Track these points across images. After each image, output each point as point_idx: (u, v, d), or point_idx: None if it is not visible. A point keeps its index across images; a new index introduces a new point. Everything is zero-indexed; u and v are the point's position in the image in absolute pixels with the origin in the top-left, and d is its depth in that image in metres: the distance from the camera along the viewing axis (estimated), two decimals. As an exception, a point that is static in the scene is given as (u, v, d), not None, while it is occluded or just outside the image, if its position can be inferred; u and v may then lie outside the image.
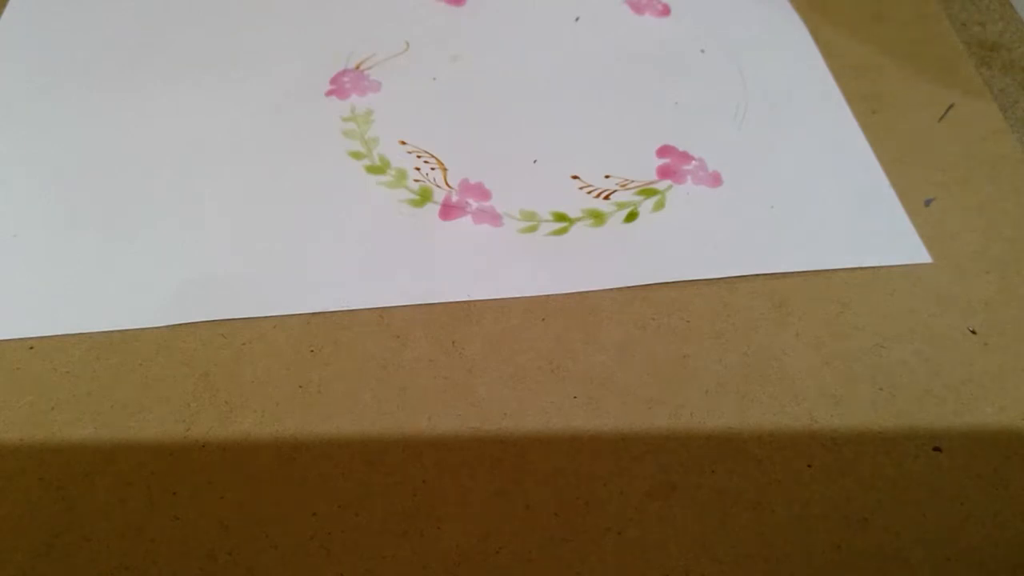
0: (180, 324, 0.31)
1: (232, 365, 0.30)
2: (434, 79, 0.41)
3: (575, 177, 0.36)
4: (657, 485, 0.28)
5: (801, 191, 0.36)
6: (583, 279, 0.33)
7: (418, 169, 0.37)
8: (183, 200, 0.35)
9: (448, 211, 0.35)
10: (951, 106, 0.39)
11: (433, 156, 0.37)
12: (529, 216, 0.35)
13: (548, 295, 0.32)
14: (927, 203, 0.35)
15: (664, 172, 0.37)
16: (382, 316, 0.32)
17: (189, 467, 0.28)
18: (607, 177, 0.36)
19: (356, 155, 0.37)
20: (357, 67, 0.41)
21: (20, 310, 0.32)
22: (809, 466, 0.28)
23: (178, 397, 0.29)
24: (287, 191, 0.36)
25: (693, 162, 0.37)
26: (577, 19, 0.44)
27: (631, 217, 0.35)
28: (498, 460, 0.28)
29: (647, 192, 0.36)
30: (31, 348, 0.31)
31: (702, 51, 0.42)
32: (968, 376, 0.30)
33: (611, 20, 0.44)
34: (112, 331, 0.31)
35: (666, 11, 0.44)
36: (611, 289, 0.32)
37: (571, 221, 0.35)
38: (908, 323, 0.32)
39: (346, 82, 0.40)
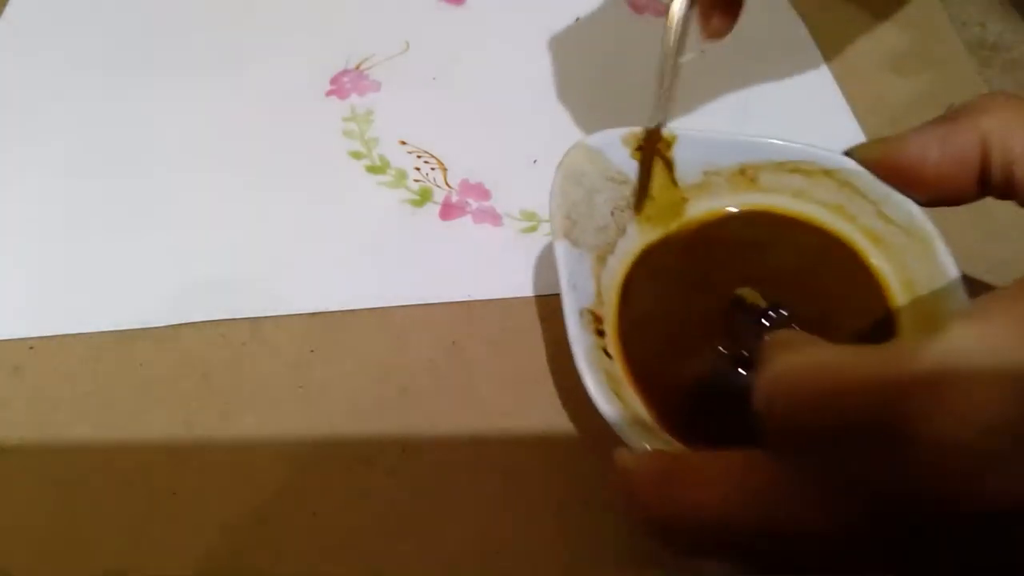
0: (180, 324, 0.31)
1: (232, 365, 0.30)
2: (434, 79, 0.41)
3: (575, 177, 0.36)
4: (657, 485, 0.27)
5: (801, 191, 0.36)
6: (583, 279, 0.33)
7: (418, 169, 0.37)
8: (183, 200, 0.35)
9: (448, 211, 0.35)
10: (951, 106, 0.39)
11: (433, 156, 0.37)
12: (529, 216, 0.35)
13: (548, 295, 0.32)
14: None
15: (664, 172, 0.37)
16: (382, 316, 0.32)
17: (189, 467, 0.28)
18: (607, 177, 0.36)
19: (356, 155, 0.37)
20: (357, 67, 0.41)
21: (20, 310, 0.32)
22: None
23: (178, 397, 0.29)
24: (287, 191, 0.36)
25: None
26: (577, 19, 0.44)
27: (631, 217, 0.35)
28: (498, 460, 0.28)
29: (647, 192, 0.36)
30: (31, 348, 0.31)
31: (702, 51, 0.42)
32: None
33: (611, 20, 0.44)
34: (112, 331, 0.31)
35: (666, 11, 0.44)
36: (611, 289, 0.32)
37: (571, 221, 0.35)
38: (908, 323, 0.32)
39: (346, 82, 0.40)
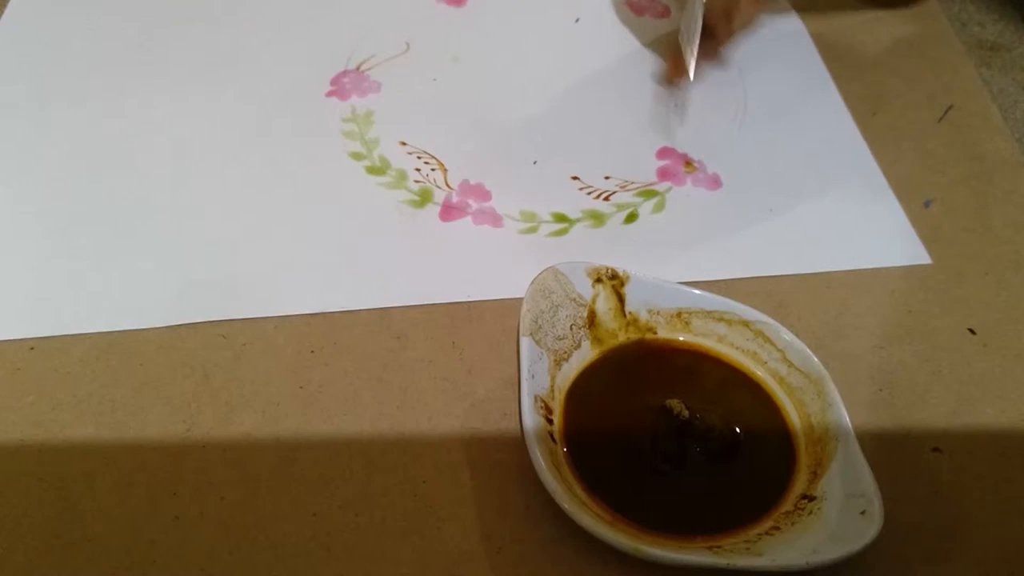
0: (180, 324, 0.31)
1: (232, 365, 0.30)
2: (434, 80, 0.41)
3: (575, 178, 0.36)
4: (657, 485, 0.27)
5: (800, 193, 0.36)
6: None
7: (418, 170, 0.37)
8: (183, 200, 0.35)
9: (448, 212, 0.35)
10: (951, 106, 0.39)
11: (433, 157, 0.37)
12: (529, 217, 0.35)
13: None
14: (926, 204, 0.35)
15: (664, 174, 0.37)
16: (382, 316, 0.32)
17: (189, 467, 0.28)
18: (607, 178, 0.36)
19: (356, 156, 0.37)
20: (357, 68, 0.41)
21: (21, 310, 0.32)
22: (809, 466, 0.28)
23: (178, 397, 0.29)
24: (287, 192, 0.36)
25: (693, 164, 0.37)
26: (577, 20, 0.44)
27: (631, 218, 0.35)
28: (498, 460, 0.28)
29: (647, 194, 0.36)
30: (32, 348, 0.31)
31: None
32: (968, 376, 0.30)
33: (611, 20, 0.44)
34: (112, 331, 0.31)
35: (666, 12, 0.45)
36: (611, 289, 0.32)
37: (571, 222, 0.35)
38: (908, 323, 0.32)
39: (346, 83, 0.40)
